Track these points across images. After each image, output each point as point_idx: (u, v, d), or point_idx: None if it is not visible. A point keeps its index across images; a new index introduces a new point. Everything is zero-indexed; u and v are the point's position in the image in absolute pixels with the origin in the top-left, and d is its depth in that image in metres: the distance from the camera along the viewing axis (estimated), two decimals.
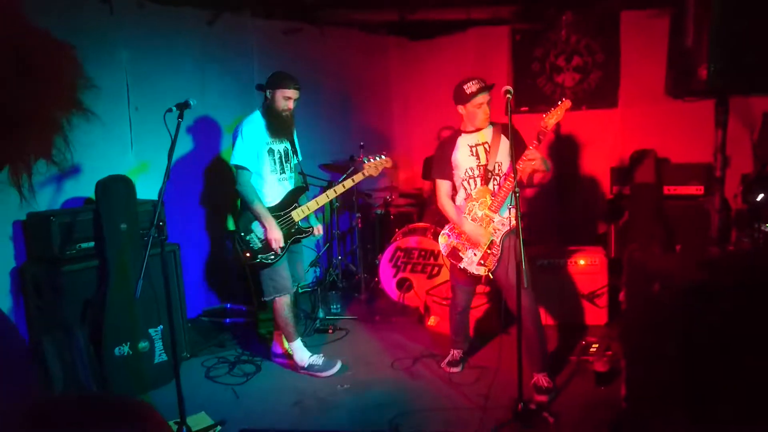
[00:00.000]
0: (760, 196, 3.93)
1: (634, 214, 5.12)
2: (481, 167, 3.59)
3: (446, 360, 4.02)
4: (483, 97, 3.50)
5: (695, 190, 4.88)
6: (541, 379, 3.52)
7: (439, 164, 3.76)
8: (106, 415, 0.55)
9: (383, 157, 4.04)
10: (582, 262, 4.60)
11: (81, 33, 4.07)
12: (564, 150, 5.86)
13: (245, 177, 3.75)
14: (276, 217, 3.79)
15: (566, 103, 3.42)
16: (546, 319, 4.43)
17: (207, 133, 5.07)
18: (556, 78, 6.02)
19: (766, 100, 4.05)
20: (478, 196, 3.59)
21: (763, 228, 3.85)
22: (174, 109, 3.11)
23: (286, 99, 3.77)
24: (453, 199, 3.77)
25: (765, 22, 2.47)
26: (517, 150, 3.39)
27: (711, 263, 2.77)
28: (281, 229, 3.79)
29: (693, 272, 2.69)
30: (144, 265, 2.82)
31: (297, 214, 3.88)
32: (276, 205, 3.86)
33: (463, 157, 3.64)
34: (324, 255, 6.04)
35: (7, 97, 0.45)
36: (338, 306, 5.30)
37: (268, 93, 3.79)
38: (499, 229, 3.54)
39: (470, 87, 3.51)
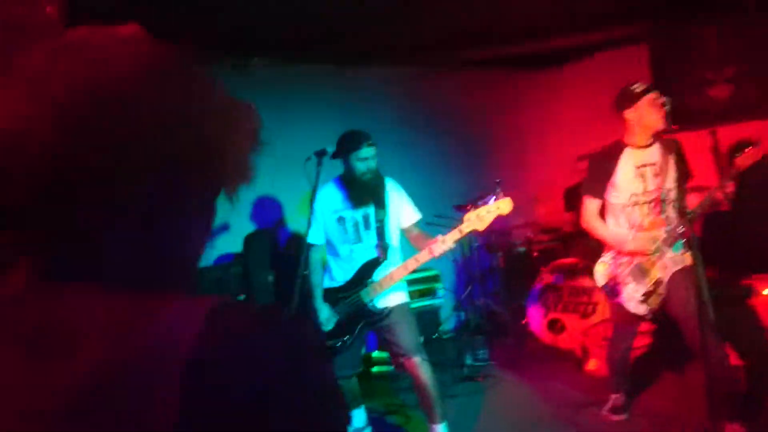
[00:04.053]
0: None
1: None
2: (651, 193, 3.19)
3: (607, 406, 3.62)
4: (656, 95, 3.07)
5: None
6: (733, 428, 3.02)
7: (594, 181, 3.33)
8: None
9: (492, 201, 3.04)
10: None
11: None
12: (725, 168, 5.27)
13: (311, 253, 3.31)
14: (342, 297, 3.23)
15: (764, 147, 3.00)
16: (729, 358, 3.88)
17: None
18: (706, 91, 5.48)
19: None
20: (650, 227, 3.21)
21: None
22: (313, 157, 3.15)
23: (363, 161, 3.19)
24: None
25: None
26: (682, 174, 3.07)
27: None
28: (341, 310, 3.23)
29: None
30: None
31: (367, 293, 3.18)
32: (344, 284, 3.27)
33: (628, 178, 3.22)
34: (466, 298, 5.83)
35: (214, 143, 0.63)
36: (485, 351, 5.04)
37: (341, 160, 3.27)
38: (669, 267, 3.16)
39: (639, 85, 3.13)
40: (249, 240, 3.92)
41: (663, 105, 2.95)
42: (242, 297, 3.80)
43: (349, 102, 5.33)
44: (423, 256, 3.06)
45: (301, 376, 0.56)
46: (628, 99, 3.18)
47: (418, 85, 5.87)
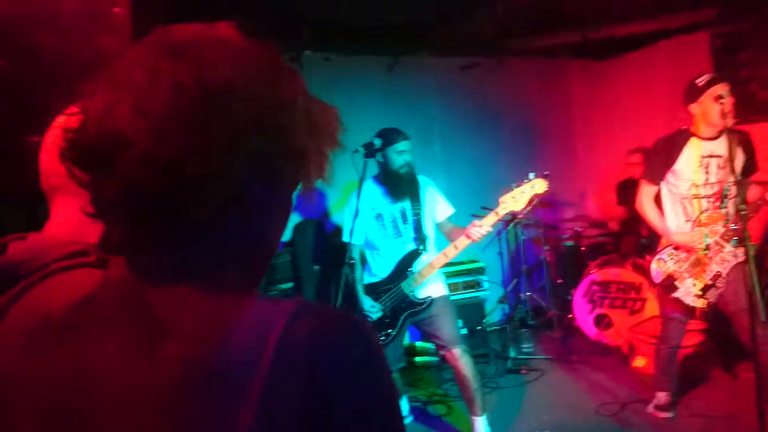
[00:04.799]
0: None
1: None
2: (713, 186, 3.13)
3: (653, 404, 3.56)
4: (722, 88, 3.00)
5: None
6: None
7: (655, 166, 3.29)
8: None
9: (529, 180, 3.06)
10: None
11: None
12: None
13: (351, 250, 3.32)
14: (383, 291, 3.30)
15: None
16: None
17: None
18: None
19: None
20: (709, 221, 3.15)
21: None
22: (360, 149, 3.20)
23: (400, 154, 3.27)
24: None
25: None
26: (747, 168, 3.07)
27: None
28: (385, 303, 3.28)
29: None
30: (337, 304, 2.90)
31: (408, 284, 3.25)
32: (385, 278, 3.33)
33: (691, 167, 3.16)
34: (512, 291, 5.81)
35: (301, 143, 0.66)
36: (530, 345, 5.02)
37: (378, 156, 3.30)
38: (728, 261, 3.09)
39: (703, 79, 3.05)
40: (296, 230, 4.01)
41: (724, 98, 2.88)
42: (290, 285, 3.91)
43: (398, 95, 5.36)
44: (461, 242, 3.09)
45: (376, 379, 0.60)
46: (692, 93, 3.12)
47: (467, 76, 5.83)
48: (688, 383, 3.80)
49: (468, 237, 3.05)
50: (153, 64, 0.60)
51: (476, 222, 3.05)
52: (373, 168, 3.34)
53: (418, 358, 4.90)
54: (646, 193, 3.33)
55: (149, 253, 0.63)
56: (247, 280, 0.68)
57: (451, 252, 3.14)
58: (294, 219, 4.05)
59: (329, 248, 4.34)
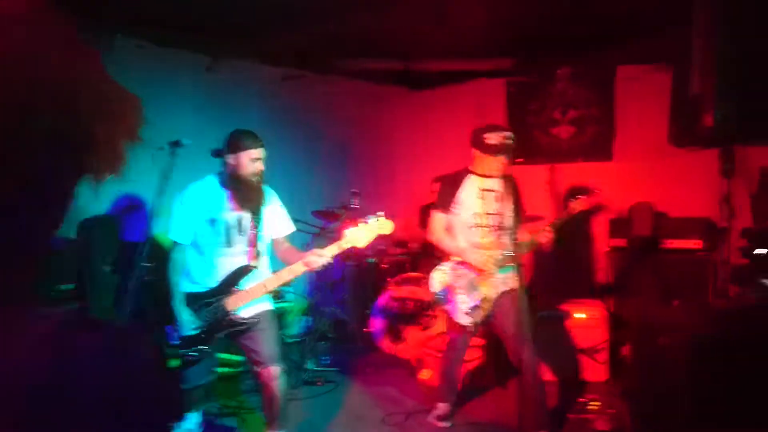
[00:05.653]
0: (762, 251, 3.87)
1: (631, 268, 5.05)
2: (492, 217, 3.48)
3: (434, 414, 3.84)
4: (502, 151, 3.37)
5: (693, 244, 4.82)
6: None
7: (443, 197, 3.60)
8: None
9: (373, 221, 3.03)
10: (580, 316, 4.48)
11: None
12: (561, 202, 5.83)
13: (173, 251, 3.07)
14: (205, 304, 3.01)
15: (597, 196, 3.44)
16: (543, 374, 4.28)
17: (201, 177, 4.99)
18: (551, 130, 6.05)
19: (765, 153, 4.06)
20: (487, 247, 3.48)
21: (763, 282, 3.78)
22: (166, 147, 3.00)
23: (255, 161, 3.06)
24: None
25: None
26: (518, 207, 3.50)
27: (720, 317, 2.68)
28: (203, 318, 3.00)
29: (701, 326, 2.60)
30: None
31: (231, 302, 3.01)
32: (209, 290, 3.05)
33: (471, 198, 3.51)
34: (314, 304, 5.88)
35: (92, 128, 0.59)
36: (328, 357, 5.11)
37: (230, 158, 3.06)
38: (497, 286, 3.44)
39: (492, 138, 3.36)
40: (87, 226, 3.65)
41: (506, 140, 3.24)
42: (71, 287, 3.53)
43: (216, 96, 5.20)
44: (298, 268, 2.97)
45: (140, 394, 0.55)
46: (479, 143, 3.45)
47: (290, 87, 5.85)
48: (466, 395, 4.15)
49: (306, 265, 2.96)
50: None
51: (316, 251, 2.96)
52: (217, 167, 3.11)
53: (217, 369, 4.71)
54: (437, 220, 3.64)
55: None
56: (16, 285, 0.60)
57: (286, 276, 3.01)
58: (83, 214, 3.67)
59: (124, 249, 4.01)
